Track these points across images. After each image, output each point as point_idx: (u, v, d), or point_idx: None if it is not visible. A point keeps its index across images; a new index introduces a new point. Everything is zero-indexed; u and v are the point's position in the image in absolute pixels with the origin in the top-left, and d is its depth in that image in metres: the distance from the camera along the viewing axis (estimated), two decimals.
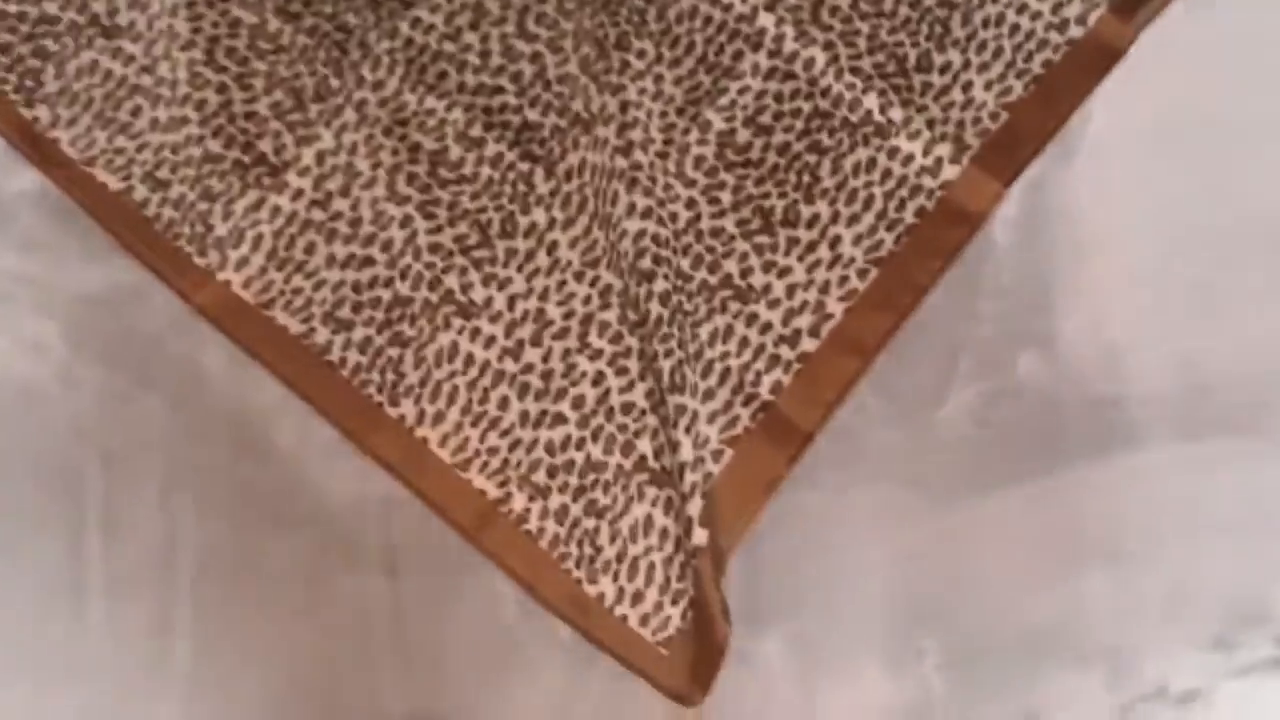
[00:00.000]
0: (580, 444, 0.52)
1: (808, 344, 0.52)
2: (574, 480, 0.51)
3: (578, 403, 0.52)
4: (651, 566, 0.49)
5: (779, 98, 0.56)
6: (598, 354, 0.53)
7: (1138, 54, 0.55)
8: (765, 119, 0.56)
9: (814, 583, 0.51)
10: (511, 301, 0.54)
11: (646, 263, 0.52)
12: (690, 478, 0.49)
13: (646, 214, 0.53)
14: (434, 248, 0.54)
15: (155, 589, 0.51)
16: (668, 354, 0.51)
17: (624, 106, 0.55)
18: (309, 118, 0.56)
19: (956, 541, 0.51)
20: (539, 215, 0.55)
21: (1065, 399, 0.51)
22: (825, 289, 0.53)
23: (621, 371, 0.52)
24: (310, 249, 0.54)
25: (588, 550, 0.50)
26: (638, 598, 0.49)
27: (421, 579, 0.51)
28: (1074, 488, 0.51)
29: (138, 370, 0.53)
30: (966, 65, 0.56)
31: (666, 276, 0.52)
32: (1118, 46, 0.55)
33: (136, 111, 0.57)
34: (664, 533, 0.50)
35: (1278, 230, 0.53)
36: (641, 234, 0.53)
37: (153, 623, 0.51)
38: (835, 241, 0.54)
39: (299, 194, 0.55)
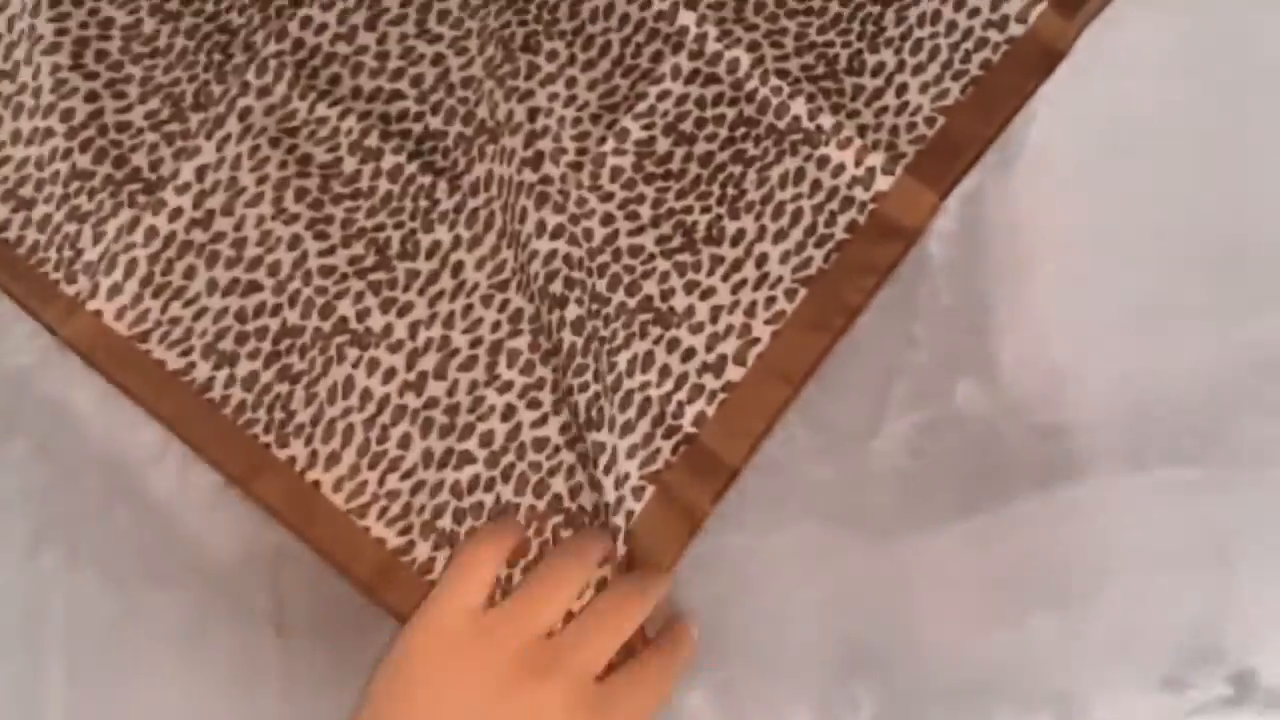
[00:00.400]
0: (490, 485, 0.48)
1: (733, 372, 0.48)
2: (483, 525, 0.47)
3: (486, 439, 0.48)
4: (569, 617, 0.46)
5: (701, 103, 0.52)
6: (508, 386, 0.49)
7: (1081, 53, 0.52)
8: (687, 126, 0.52)
9: (741, 630, 0.47)
10: (413, 329, 0.49)
11: (558, 286, 0.48)
12: (613, 521, 0.46)
13: (558, 233, 0.49)
14: (326, 270, 0.50)
15: (22, 651, 0.47)
16: (583, 388, 0.47)
17: (532, 114, 0.51)
18: (188, 128, 0.51)
19: (892, 582, 0.48)
20: (442, 233, 0.51)
21: (1006, 428, 0.48)
22: (751, 311, 0.49)
23: (534, 405, 0.48)
24: (190, 274, 0.50)
25: None
26: None
27: (314, 637, 0.47)
28: (1016, 523, 0.48)
29: (1, 412, 0.48)
30: (901, 66, 0.52)
31: (580, 301, 0.48)
32: (1059, 46, 0.52)
33: None
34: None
35: (1229, 246, 0.50)
36: (552, 255, 0.49)
37: (19, 687, 0.47)
38: (762, 259, 0.50)
39: (177, 213, 0.50)
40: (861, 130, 0.51)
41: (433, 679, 0.38)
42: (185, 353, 0.49)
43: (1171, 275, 0.50)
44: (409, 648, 0.38)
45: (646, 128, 0.52)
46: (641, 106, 0.52)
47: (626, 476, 0.46)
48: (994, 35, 0.52)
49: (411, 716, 0.37)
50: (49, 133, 0.51)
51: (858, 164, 0.50)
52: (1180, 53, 0.53)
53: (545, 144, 0.50)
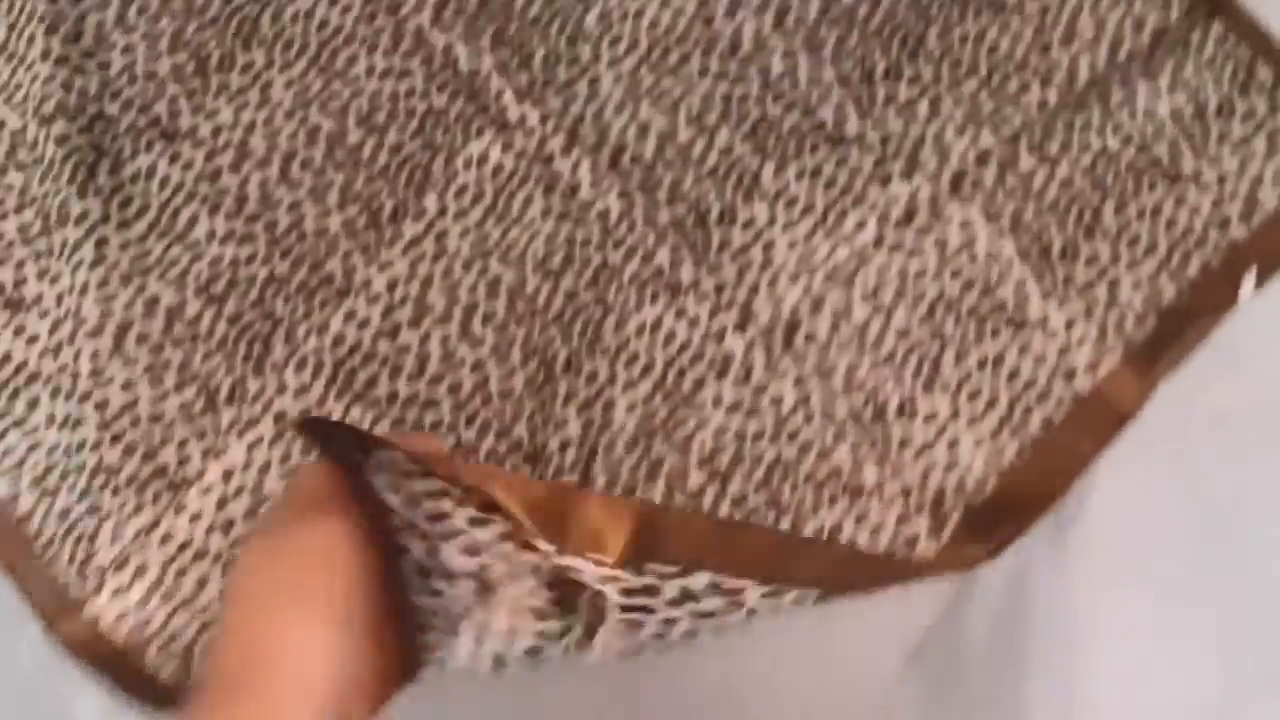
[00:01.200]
0: None
1: None
2: None
3: None
4: None
5: (741, 437, 0.50)
6: None
7: (1153, 416, 0.49)
8: (723, 461, 0.50)
9: None
10: None
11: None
12: None
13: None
14: None
15: None
16: None
17: (564, 446, 0.50)
18: (219, 424, 0.51)
19: None
20: None
21: None
22: None
23: None
24: (202, 583, 0.49)
25: None
26: None
27: None
28: None
29: (15, 714, 0.48)
30: (954, 415, 0.50)
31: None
32: (1128, 408, 0.49)
33: (34, 404, 0.51)
34: None
35: None
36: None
37: None
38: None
39: (197, 517, 0.49)
40: (905, 492, 0.48)
41: None
42: (184, 664, 0.47)
43: (1236, 683, 0.46)
44: None
45: (682, 457, 0.50)
46: (679, 435, 0.50)
47: None
48: (1058, 388, 0.50)
49: None
50: (80, 421, 0.50)
51: (901, 525, 0.48)
52: (1256, 420, 0.49)
53: (572, 479, 0.49)
